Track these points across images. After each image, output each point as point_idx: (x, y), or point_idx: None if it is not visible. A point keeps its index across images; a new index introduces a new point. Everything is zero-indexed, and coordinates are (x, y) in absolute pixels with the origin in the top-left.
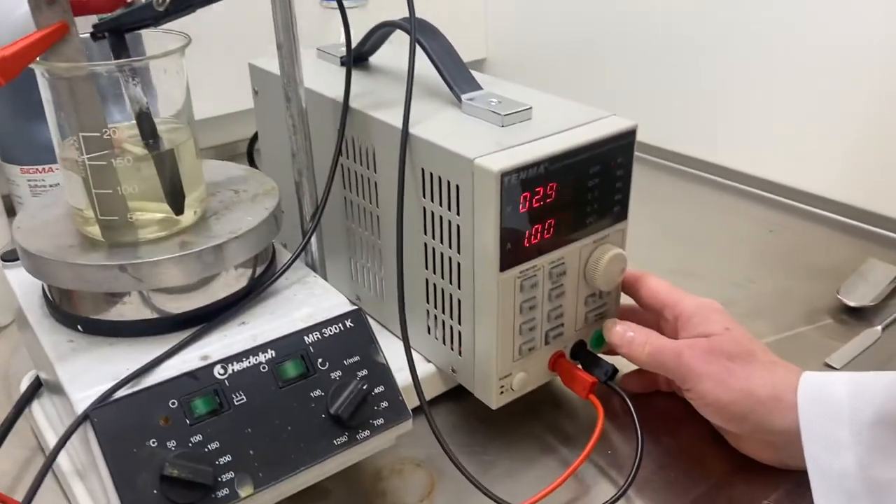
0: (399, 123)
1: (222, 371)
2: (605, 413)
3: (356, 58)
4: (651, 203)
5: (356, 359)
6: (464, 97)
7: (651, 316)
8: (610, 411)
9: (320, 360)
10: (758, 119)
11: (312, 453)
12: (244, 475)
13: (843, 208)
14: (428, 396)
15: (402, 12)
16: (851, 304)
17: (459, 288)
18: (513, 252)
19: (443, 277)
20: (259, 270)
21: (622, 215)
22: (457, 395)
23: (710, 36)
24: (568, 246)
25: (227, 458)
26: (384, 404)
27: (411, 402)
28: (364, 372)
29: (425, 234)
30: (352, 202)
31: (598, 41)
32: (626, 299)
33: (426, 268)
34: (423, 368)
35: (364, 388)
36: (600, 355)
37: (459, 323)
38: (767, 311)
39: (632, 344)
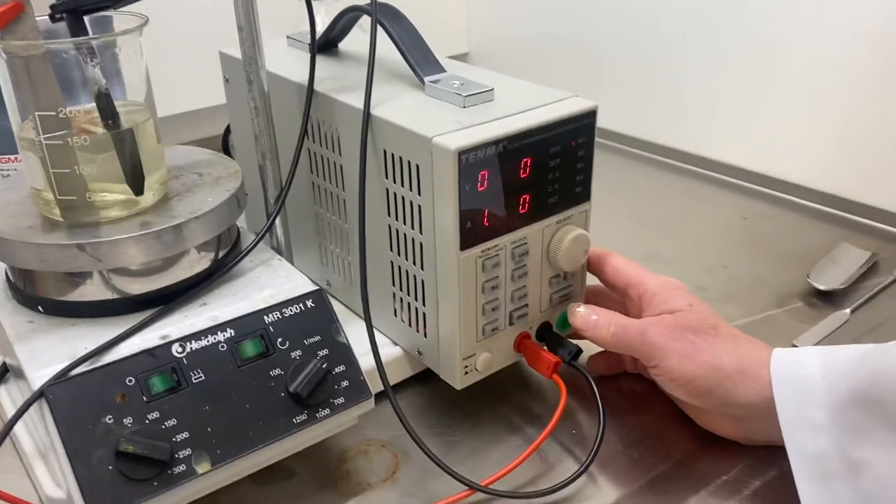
0: (362, 105)
1: (180, 349)
2: (572, 394)
3: (325, 45)
4: (624, 191)
5: (317, 338)
6: (427, 79)
7: (617, 295)
8: (577, 392)
9: (280, 340)
10: (733, 108)
11: (271, 431)
12: (201, 452)
13: (818, 195)
14: (396, 379)
15: None
16: (821, 287)
17: (422, 269)
18: (473, 231)
19: (406, 259)
20: (222, 252)
21: (585, 196)
22: (425, 378)
23: (686, 26)
24: (530, 226)
25: (185, 435)
26: (345, 383)
27: (378, 384)
28: (325, 351)
29: (389, 215)
30: (319, 187)
31: (579, 33)
32: (593, 280)
33: (391, 250)
34: (390, 351)
35: (324, 366)
36: (566, 337)
37: (423, 304)
38: (738, 295)
39: (596, 326)
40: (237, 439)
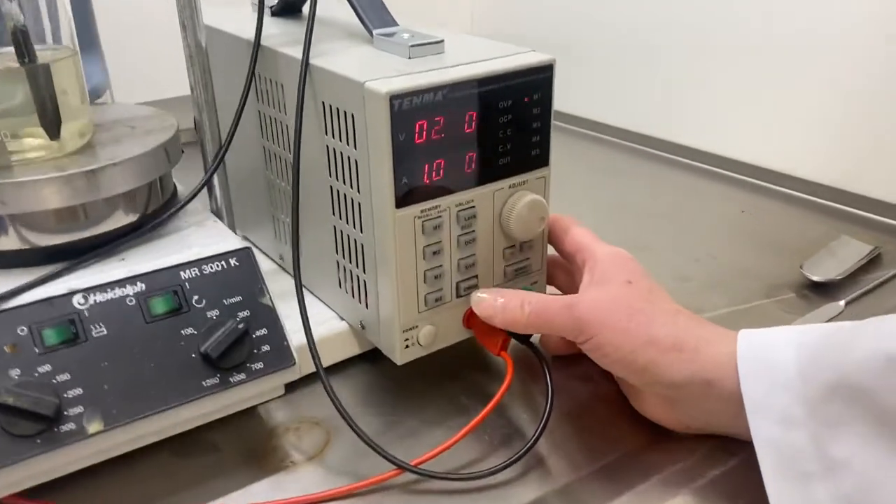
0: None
1: (83, 301)
2: (529, 376)
3: (287, 8)
4: (615, 183)
5: (238, 299)
6: (375, 32)
7: (574, 267)
8: (533, 374)
9: (196, 298)
10: (732, 100)
11: (177, 393)
12: (94, 410)
13: (819, 189)
14: (340, 356)
15: None
16: (815, 278)
17: (362, 231)
18: (410, 188)
19: (347, 222)
20: (152, 208)
21: (542, 161)
22: (375, 357)
23: (682, 20)
24: (478, 188)
25: (78, 391)
26: (265, 348)
27: (324, 358)
28: (245, 313)
29: (330, 175)
30: (269, 151)
31: (576, 25)
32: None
33: (333, 213)
34: (335, 326)
35: (240, 327)
36: None
37: (364, 271)
38: (725, 285)
39: (505, 309)
40: (137, 400)
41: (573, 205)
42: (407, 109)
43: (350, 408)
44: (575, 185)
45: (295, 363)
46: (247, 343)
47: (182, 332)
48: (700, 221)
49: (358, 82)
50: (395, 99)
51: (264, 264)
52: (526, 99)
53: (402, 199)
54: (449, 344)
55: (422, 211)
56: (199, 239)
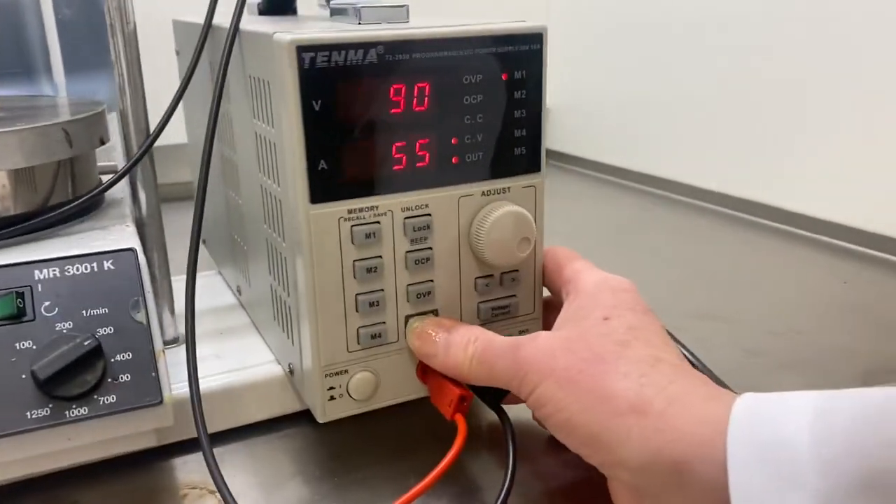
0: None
1: None
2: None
3: (277, 5)
4: (692, 245)
5: (103, 311)
6: (333, 1)
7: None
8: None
9: (47, 304)
10: (833, 161)
11: None
12: None
13: None
14: (278, 411)
15: None
16: None
17: (283, 238)
18: (331, 177)
19: (274, 229)
20: (54, 200)
21: (531, 165)
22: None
23: (777, 71)
24: (434, 190)
25: None
26: (124, 377)
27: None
28: (107, 329)
29: (259, 170)
30: (223, 156)
31: (660, 87)
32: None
33: (265, 222)
34: (269, 371)
35: (86, 344)
36: None
37: (288, 294)
38: (807, 364)
39: (449, 347)
40: None
41: (635, 269)
42: (324, 68)
43: (277, 475)
44: (644, 249)
45: (162, 401)
46: (95, 367)
47: (16, 345)
48: (789, 292)
49: (268, 35)
50: (305, 52)
51: (223, 298)
52: (504, 76)
53: (320, 192)
54: (398, 401)
55: (350, 211)
56: (92, 241)
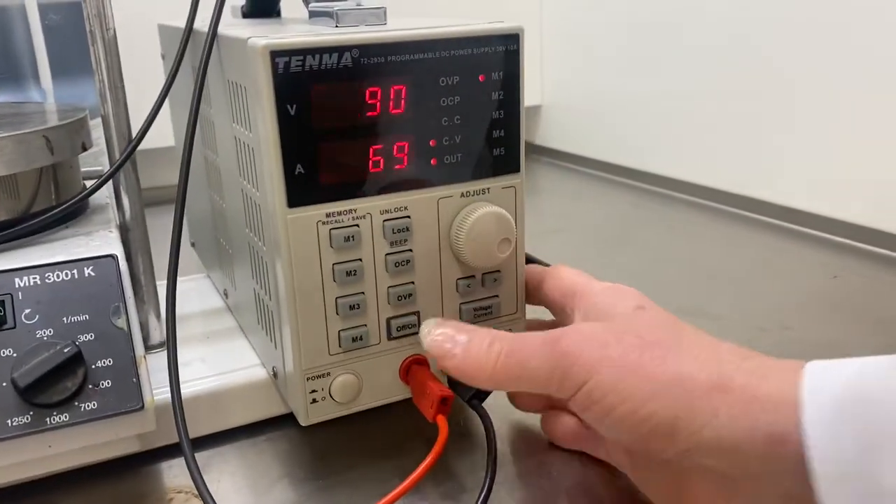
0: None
1: None
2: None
3: (260, 8)
4: (684, 242)
5: (83, 318)
6: (312, 4)
7: (561, 320)
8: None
9: (28, 311)
10: (827, 152)
11: None
12: None
13: None
14: (262, 414)
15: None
16: None
17: (264, 243)
18: (309, 180)
19: (254, 233)
20: (36, 207)
21: (510, 165)
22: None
23: (764, 65)
24: (414, 192)
25: None
26: (105, 384)
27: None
28: (88, 336)
29: (240, 175)
30: (207, 159)
31: (654, 84)
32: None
33: (246, 226)
34: (254, 375)
35: (66, 352)
36: None
37: (270, 297)
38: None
39: (469, 349)
40: None
41: (625, 265)
42: (298, 73)
43: (264, 477)
44: (636, 244)
45: (143, 406)
46: (76, 374)
47: None
48: (778, 287)
49: (242, 39)
50: (279, 56)
51: (211, 301)
52: (481, 77)
53: (297, 196)
54: (381, 402)
55: (328, 215)
56: (74, 248)
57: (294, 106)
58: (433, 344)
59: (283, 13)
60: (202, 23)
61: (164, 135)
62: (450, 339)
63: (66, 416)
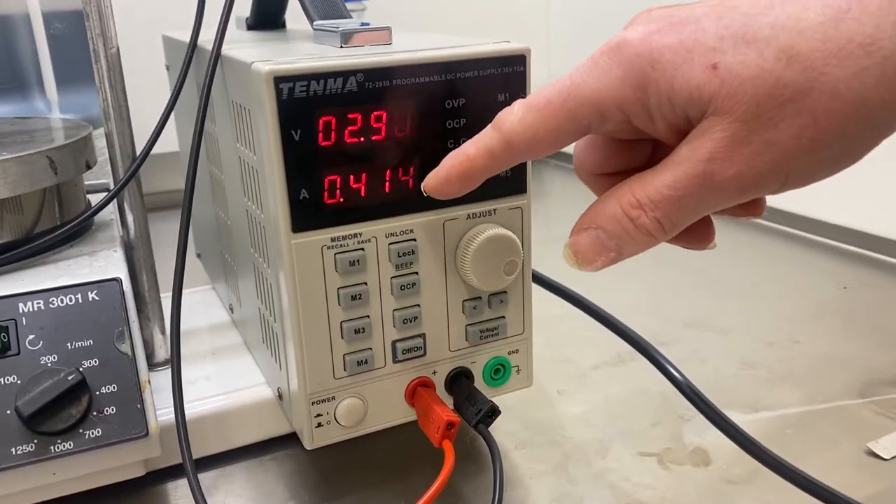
0: (224, 51)
1: None
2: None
3: (265, 21)
4: (691, 253)
5: (87, 343)
6: (316, 22)
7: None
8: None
9: (31, 338)
10: None
11: None
12: None
13: None
14: (266, 434)
15: (401, 16)
16: None
17: (268, 265)
18: (313, 206)
19: (259, 254)
20: (40, 228)
21: (517, 186)
22: None
23: None
24: (419, 214)
25: None
26: (110, 410)
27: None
28: (93, 362)
29: (245, 195)
30: (211, 174)
31: None
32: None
33: (251, 245)
34: (259, 394)
35: (69, 379)
36: (487, 391)
37: (275, 319)
38: (802, 377)
39: (503, 123)
40: None
41: (632, 274)
42: (303, 98)
43: (270, 499)
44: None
45: (147, 433)
46: (80, 401)
47: (1, 380)
48: (786, 298)
49: (246, 63)
50: (283, 82)
51: (217, 315)
52: (488, 97)
53: (302, 221)
54: (387, 425)
55: (333, 239)
56: (79, 269)
57: (298, 132)
58: (459, 165)
59: (288, 24)
60: (206, 40)
61: (168, 140)
62: (476, 148)
63: (70, 444)
